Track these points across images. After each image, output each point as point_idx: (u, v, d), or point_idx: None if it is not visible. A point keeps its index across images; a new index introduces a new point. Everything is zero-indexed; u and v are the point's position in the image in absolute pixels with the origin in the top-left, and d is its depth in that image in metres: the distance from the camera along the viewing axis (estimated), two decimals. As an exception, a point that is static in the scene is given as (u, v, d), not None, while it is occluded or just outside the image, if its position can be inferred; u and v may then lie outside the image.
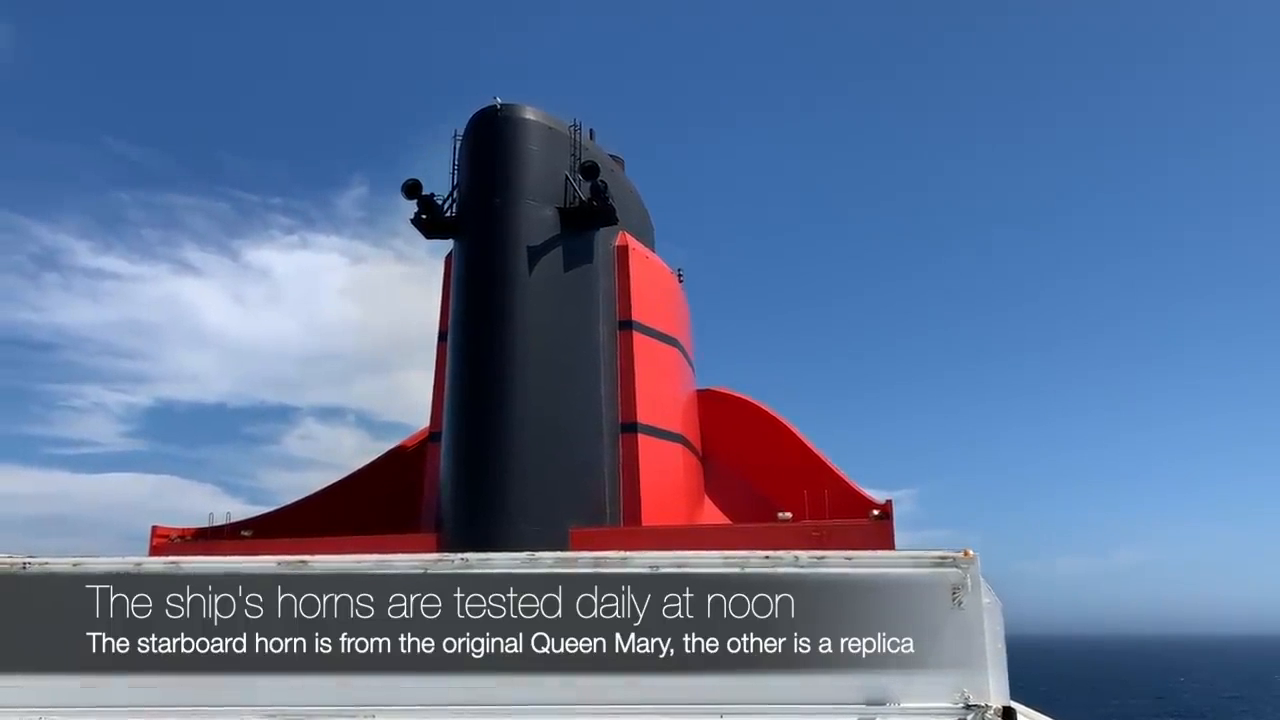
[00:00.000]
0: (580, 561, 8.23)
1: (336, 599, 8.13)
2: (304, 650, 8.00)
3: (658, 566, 8.10)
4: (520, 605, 8.07)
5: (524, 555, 8.32)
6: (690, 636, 7.91)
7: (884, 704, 7.66)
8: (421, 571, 8.21)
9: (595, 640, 7.95)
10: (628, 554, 8.20)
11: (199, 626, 8.10)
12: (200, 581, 8.30)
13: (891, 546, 16.35)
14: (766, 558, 8.08)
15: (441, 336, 20.05)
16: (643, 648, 7.90)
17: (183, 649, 8.07)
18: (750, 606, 7.97)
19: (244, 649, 8.04)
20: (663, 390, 21.11)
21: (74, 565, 8.37)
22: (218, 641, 8.07)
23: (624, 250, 20.75)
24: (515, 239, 18.14)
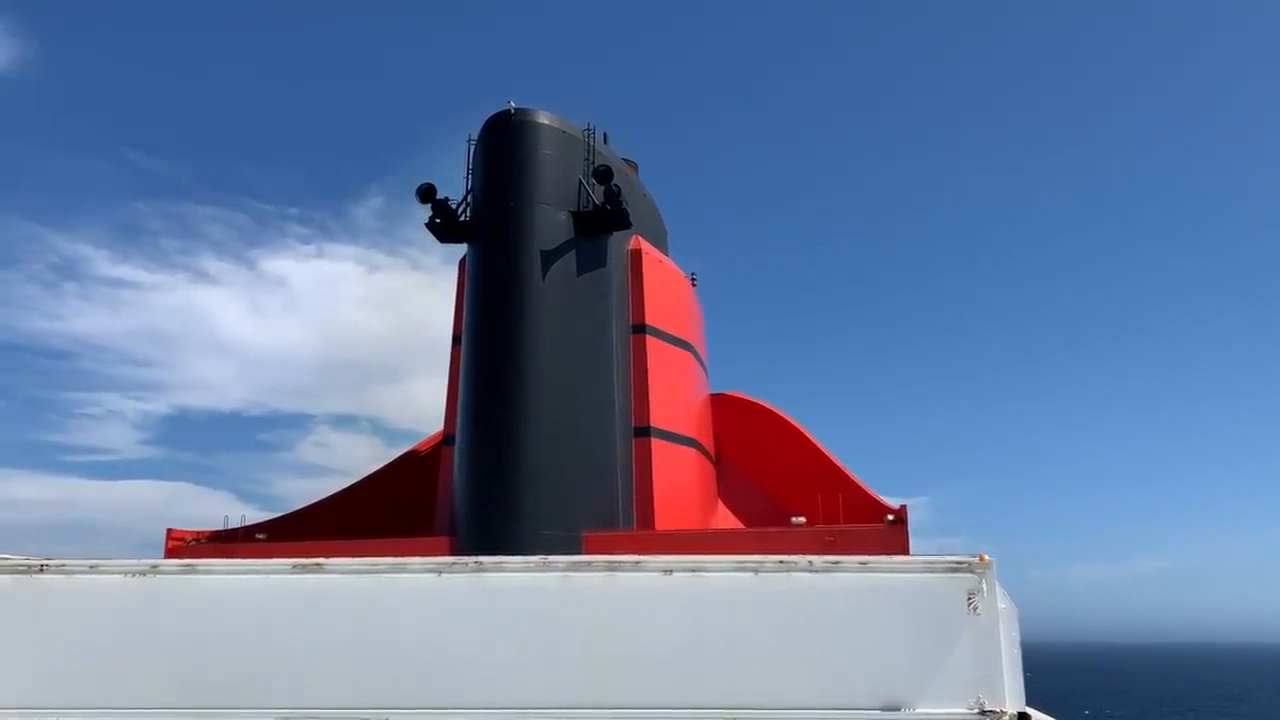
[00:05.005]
0: (594, 565, 8.23)
1: (351, 600, 8.17)
2: (316, 650, 8.03)
3: (671, 570, 8.09)
4: (533, 606, 8.09)
5: (537, 558, 8.33)
6: (704, 639, 7.90)
7: (899, 709, 7.62)
8: (436, 574, 8.23)
9: (605, 640, 7.94)
10: (641, 558, 8.20)
11: (212, 626, 8.15)
12: (214, 582, 8.35)
13: (906, 552, 16.25)
14: (780, 562, 8.05)
15: (455, 340, 20.06)
16: (655, 649, 7.89)
17: (194, 648, 8.11)
18: (764, 610, 7.95)
19: (257, 648, 8.08)
20: (676, 394, 21.07)
21: (91, 567, 8.43)
22: (230, 641, 8.11)
23: (637, 254, 20.74)
24: (529, 242, 18.15)
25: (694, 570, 8.07)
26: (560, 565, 8.22)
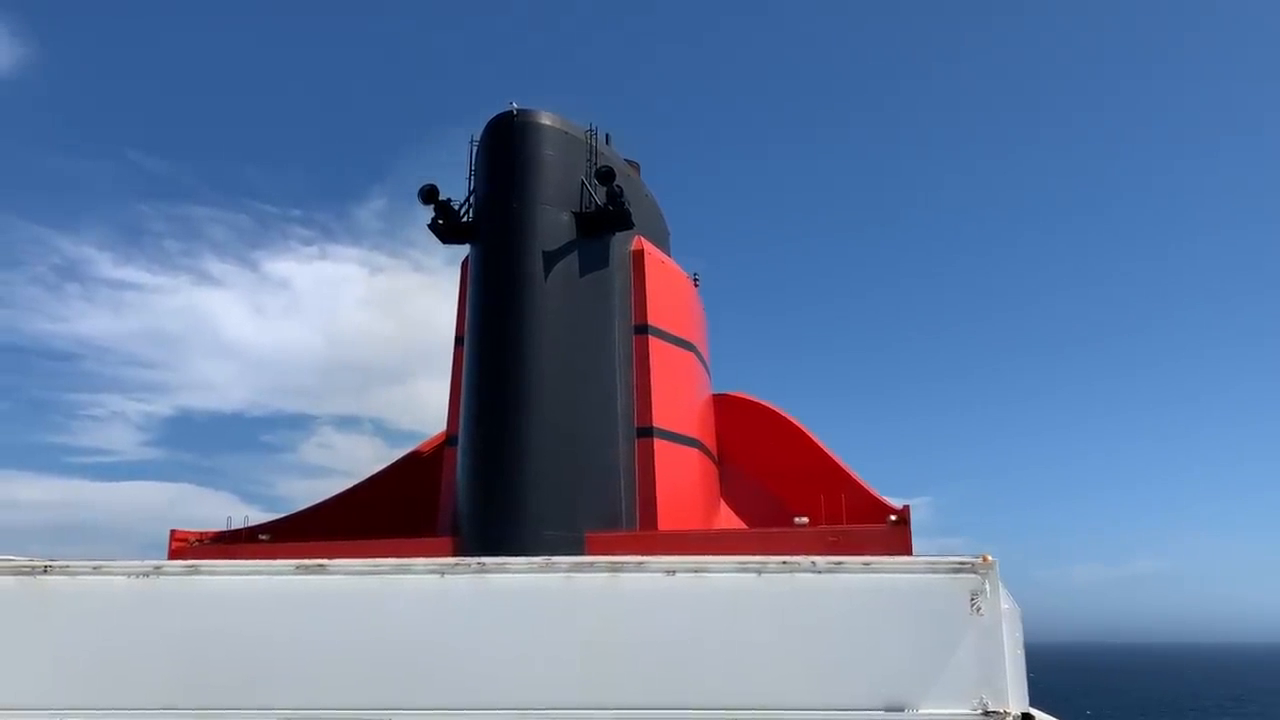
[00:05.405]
0: (597, 566, 8.23)
1: (354, 601, 8.18)
2: (319, 651, 8.04)
3: (674, 571, 8.09)
4: (536, 607, 8.09)
5: (540, 559, 8.34)
6: (707, 639, 7.89)
7: (902, 709, 7.62)
8: (439, 575, 8.23)
9: (608, 640, 7.94)
10: (644, 558, 8.20)
11: (216, 627, 8.16)
12: (218, 583, 8.36)
13: (909, 552, 16.24)
14: (784, 563, 8.05)
15: (458, 341, 20.07)
16: (658, 649, 7.89)
17: (198, 649, 8.12)
18: (767, 611, 7.94)
19: (261, 649, 8.08)
20: (678, 394, 21.06)
21: (94, 569, 8.44)
22: (234, 642, 8.12)
23: (640, 254, 20.73)
24: (531, 243, 18.16)
25: (697, 571, 8.07)
26: (563, 566, 8.22)
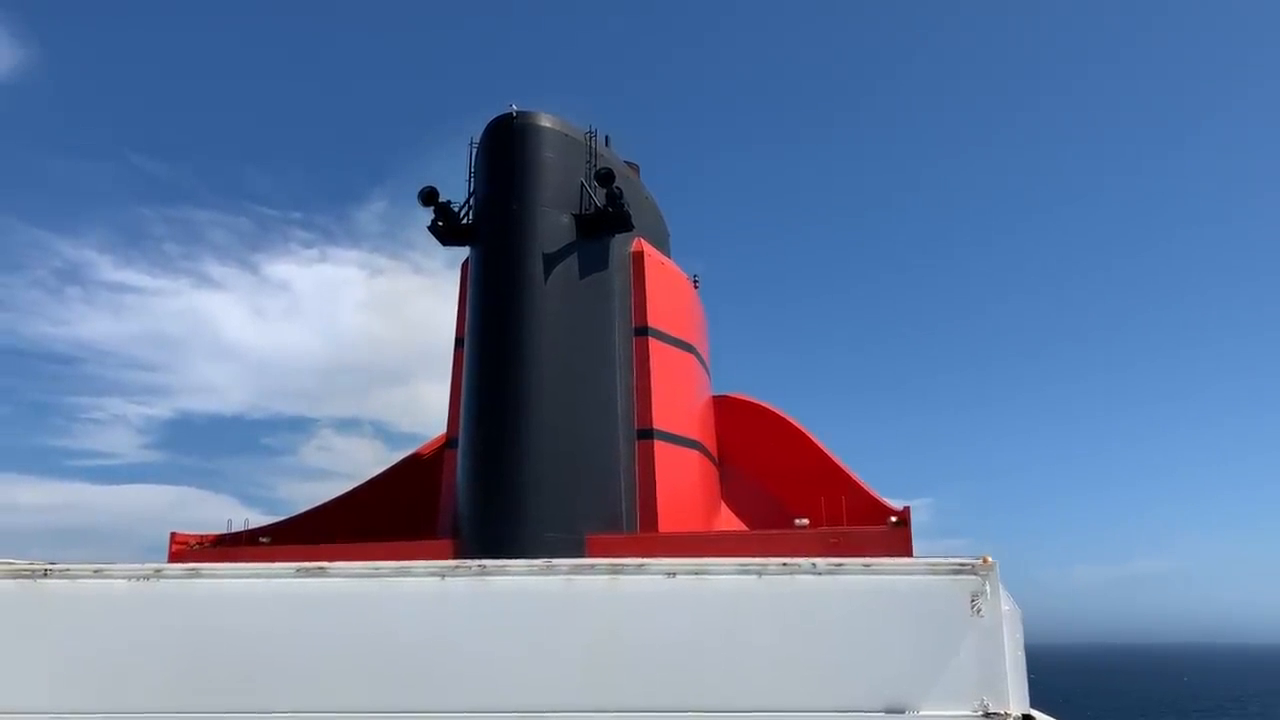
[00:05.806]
0: (597, 568, 8.23)
1: (354, 603, 8.18)
2: (320, 654, 8.04)
3: (675, 573, 8.09)
4: (536, 609, 8.09)
5: (541, 562, 8.34)
6: (707, 641, 7.90)
7: (903, 711, 7.62)
8: (439, 577, 8.23)
9: (609, 643, 7.94)
10: (644, 560, 8.20)
11: (216, 630, 8.16)
12: (218, 586, 8.36)
13: (909, 554, 16.25)
14: (784, 564, 8.06)
15: (459, 343, 20.07)
16: (659, 651, 7.89)
17: (198, 652, 8.11)
18: (767, 612, 7.95)
19: (261, 652, 8.08)
20: (679, 396, 21.06)
21: (95, 572, 8.44)
22: (234, 645, 8.12)
23: (639, 256, 20.73)
24: (531, 245, 18.17)
25: (697, 573, 8.08)
26: (563, 568, 8.23)
